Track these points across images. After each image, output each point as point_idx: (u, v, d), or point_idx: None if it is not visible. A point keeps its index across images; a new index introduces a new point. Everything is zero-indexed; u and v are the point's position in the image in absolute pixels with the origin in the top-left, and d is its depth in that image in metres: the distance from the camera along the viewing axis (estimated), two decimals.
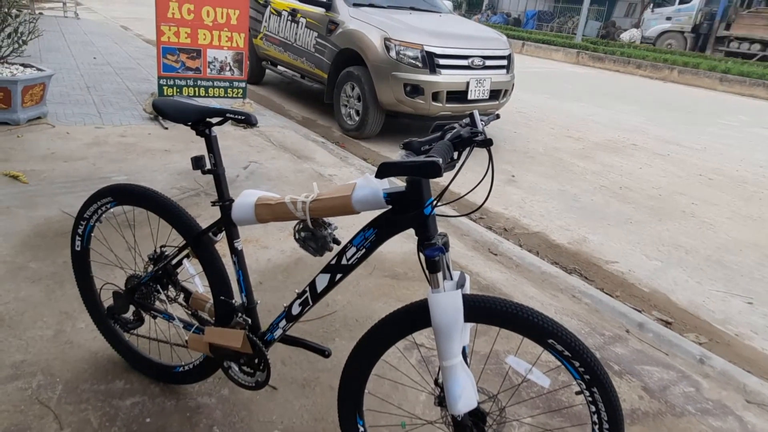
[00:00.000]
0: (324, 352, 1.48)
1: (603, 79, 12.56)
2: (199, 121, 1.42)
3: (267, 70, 7.42)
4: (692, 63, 13.50)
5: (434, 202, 1.19)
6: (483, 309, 1.19)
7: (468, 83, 5.16)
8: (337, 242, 1.36)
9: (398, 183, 1.21)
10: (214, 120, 1.43)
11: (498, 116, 1.38)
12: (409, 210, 1.20)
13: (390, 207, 1.23)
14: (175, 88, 4.86)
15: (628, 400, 2.03)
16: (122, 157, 3.89)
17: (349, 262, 1.31)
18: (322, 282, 1.36)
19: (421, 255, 1.19)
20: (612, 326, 2.52)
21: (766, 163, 6.11)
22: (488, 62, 5.36)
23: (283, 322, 1.46)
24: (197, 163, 1.42)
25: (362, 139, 5.50)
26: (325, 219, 1.34)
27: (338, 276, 1.33)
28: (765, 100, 11.40)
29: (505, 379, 1.94)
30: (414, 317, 1.27)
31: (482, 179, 1.18)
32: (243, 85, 4.99)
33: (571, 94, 9.80)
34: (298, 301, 1.42)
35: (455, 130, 1.19)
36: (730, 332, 2.79)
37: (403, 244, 3.01)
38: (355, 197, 1.24)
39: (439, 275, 1.19)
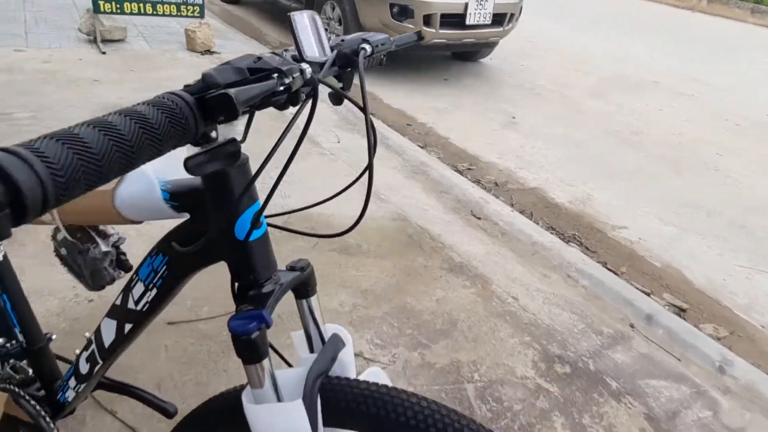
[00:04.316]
0: (166, 411, 0.97)
1: (624, 5, 11.44)
2: None
3: None
4: None
5: (261, 211, 0.61)
6: (357, 412, 0.61)
7: (467, 4, 4.40)
8: (126, 268, 0.82)
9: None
10: None
11: (383, 62, 0.77)
12: (212, 226, 0.62)
13: (189, 216, 0.66)
14: (114, 2, 4.12)
15: None
16: (36, 89, 3.26)
17: (139, 308, 0.74)
18: (108, 332, 0.80)
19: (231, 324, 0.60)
20: (613, 320, 2.02)
21: None
22: None
23: (74, 381, 0.91)
24: None
25: None
26: (101, 229, 0.78)
27: (128, 327, 0.77)
28: None
29: None
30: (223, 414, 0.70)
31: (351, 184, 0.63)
32: (200, 1, 4.25)
33: (587, 21, 8.85)
34: (86, 354, 0.86)
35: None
36: (754, 322, 2.30)
37: (358, 203, 2.47)
38: (121, 195, 0.68)
39: (263, 366, 0.62)
